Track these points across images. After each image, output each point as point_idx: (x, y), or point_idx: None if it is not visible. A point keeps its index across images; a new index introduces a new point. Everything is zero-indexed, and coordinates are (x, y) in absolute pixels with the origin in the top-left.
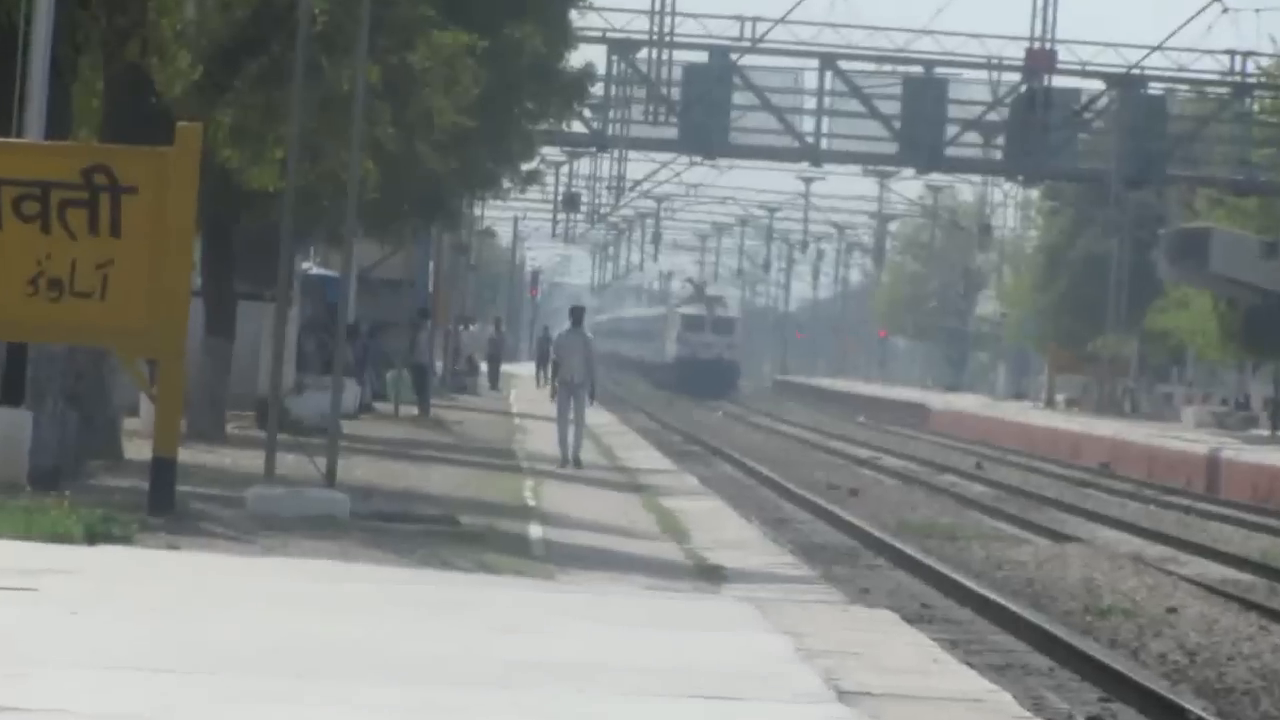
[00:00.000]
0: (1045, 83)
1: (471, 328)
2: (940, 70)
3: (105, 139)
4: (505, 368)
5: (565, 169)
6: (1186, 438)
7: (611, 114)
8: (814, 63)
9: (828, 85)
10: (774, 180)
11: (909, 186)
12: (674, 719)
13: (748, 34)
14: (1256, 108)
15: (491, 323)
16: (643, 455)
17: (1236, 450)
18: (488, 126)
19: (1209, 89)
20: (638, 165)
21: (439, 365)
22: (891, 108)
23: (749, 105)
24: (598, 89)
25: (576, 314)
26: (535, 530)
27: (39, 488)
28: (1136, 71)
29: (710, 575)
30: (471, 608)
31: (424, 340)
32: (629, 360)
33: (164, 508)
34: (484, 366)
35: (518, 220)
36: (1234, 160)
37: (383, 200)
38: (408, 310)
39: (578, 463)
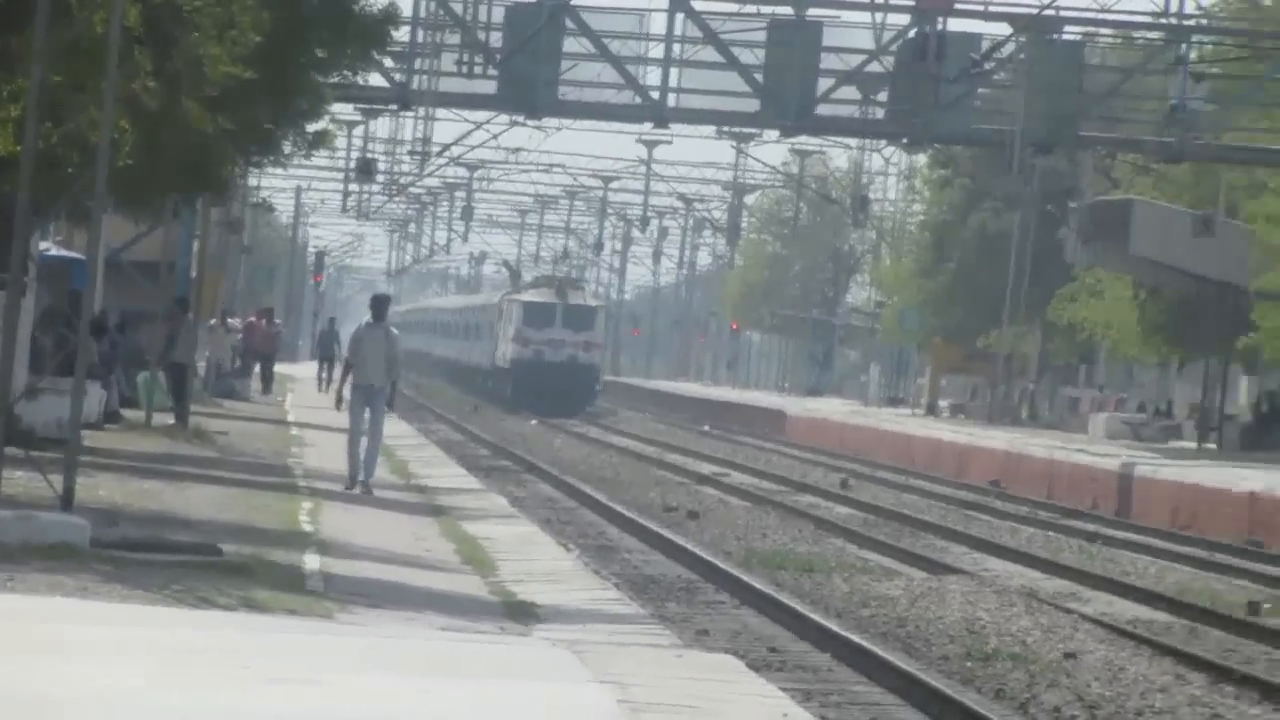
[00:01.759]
0: (939, 27)
1: (231, 320)
2: (813, 12)
3: None
4: (282, 368)
5: (359, 130)
6: (1095, 451)
7: (418, 64)
8: (662, 2)
9: (677, 30)
10: (610, 144)
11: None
12: None
13: None
14: (1194, 56)
15: (264, 314)
16: (444, 472)
17: (1154, 466)
18: (268, 78)
19: (1136, 34)
20: (447, 126)
21: (201, 365)
22: (754, 57)
23: (583, 54)
24: (402, 34)
25: (379, 305)
26: (312, 561)
27: None
28: (1049, 13)
29: (520, 614)
30: (233, 653)
31: (184, 336)
32: (442, 363)
33: None
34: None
35: (301, 191)
36: (1163, 120)
37: (138, 168)
38: (166, 299)
39: (367, 487)
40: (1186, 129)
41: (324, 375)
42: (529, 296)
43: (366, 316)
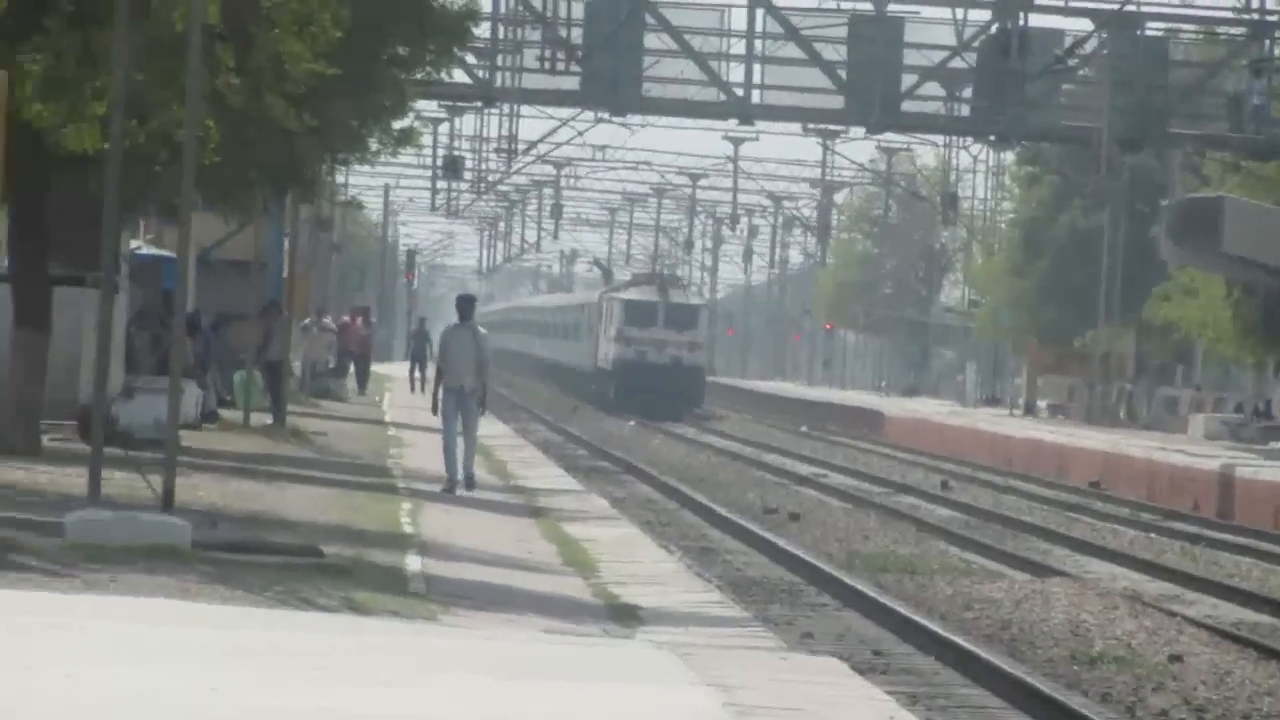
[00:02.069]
0: (1021, 22)
1: (326, 320)
2: (894, 8)
3: None
4: (377, 368)
5: (445, 128)
6: (1194, 451)
7: (500, 61)
8: None
9: (759, 26)
10: (697, 141)
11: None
12: None
13: None
14: (1278, 52)
15: (359, 314)
16: (543, 473)
17: (1254, 467)
18: (351, 75)
19: (1220, 30)
20: (533, 123)
21: (297, 365)
22: (837, 53)
23: (665, 50)
24: (483, 30)
25: (465, 305)
26: (414, 563)
27: None
28: (1132, 8)
29: (623, 616)
30: (336, 656)
31: (279, 335)
32: (540, 364)
33: None
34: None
35: (389, 190)
36: (1233, 115)
37: (225, 165)
38: (259, 298)
39: (470, 483)
40: (1275, 125)
41: (416, 375)
42: (630, 295)
43: (454, 317)
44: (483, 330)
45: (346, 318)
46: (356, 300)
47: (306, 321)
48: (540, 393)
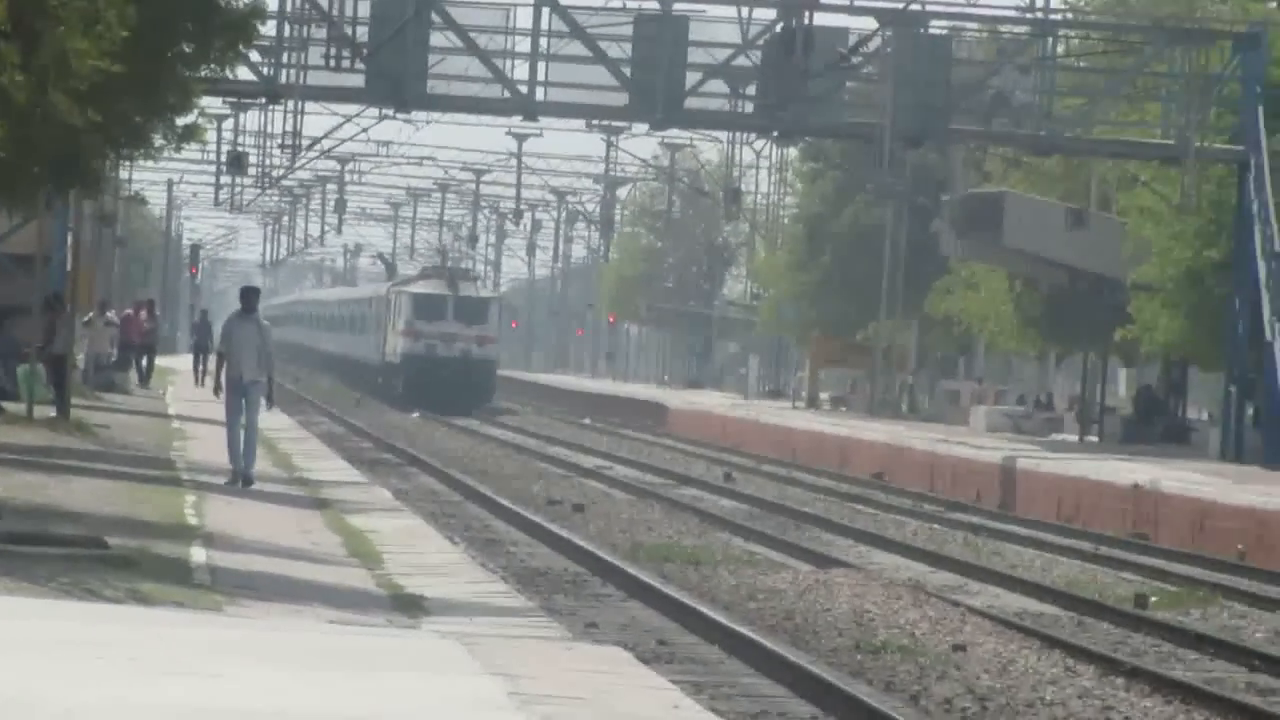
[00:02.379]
0: (806, 20)
1: (109, 313)
2: (679, 6)
3: None
4: (161, 361)
5: (230, 124)
6: (976, 443)
7: (286, 58)
8: None
9: (544, 24)
10: (481, 138)
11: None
12: None
13: None
14: (1061, 50)
15: (144, 306)
16: (327, 465)
17: (1036, 458)
18: (136, 72)
19: (1003, 28)
20: (317, 120)
21: (80, 359)
22: (621, 51)
23: (451, 48)
24: (269, 28)
25: (248, 296)
26: (199, 554)
27: None
28: (916, 7)
29: (408, 607)
30: (121, 646)
31: (62, 328)
32: (326, 358)
33: None
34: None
35: (173, 185)
36: (1032, 113)
37: (9, 160)
38: (42, 292)
39: (248, 480)
40: (1056, 122)
41: (200, 368)
42: (419, 288)
43: (237, 308)
44: (266, 322)
45: (129, 311)
46: (140, 294)
47: (89, 315)
48: (323, 385)
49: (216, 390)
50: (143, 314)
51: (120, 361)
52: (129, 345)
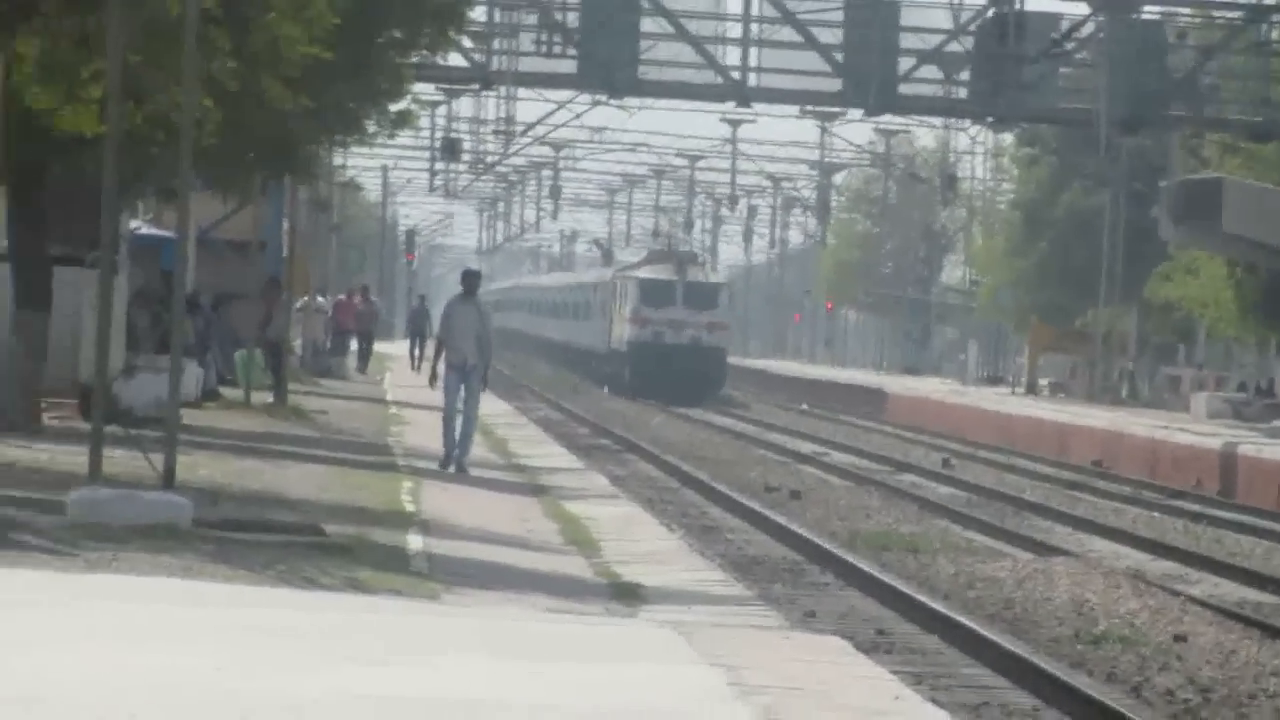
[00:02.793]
0: (1018, 5)
1: (320, 299)
2: None
3: None
4: (379, 347)
5: (443, 110)
6: (1196, 430)
7: (497, 44)
8: None
9: (755, 9)
10: (695, 123)
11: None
12: None
13: None
14: (1276, 35)
15: (359, 292)
16: (544, 451)
17: (1257, 445)
18: (347, 58)
19: (1217, 13)
20: (530, 106)
21: (297, 344)
22: (833, 36)
23: (662, 34)
24: (479, 13)
25: (469, 280)
26: (416, 541)
27: None
28: None
29: (625, 595)
30: (339, 635)
31: (279, 314)
32: (548, 345)
33: None
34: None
35: (387, 171)
36: (1249, 98)
37: (224, 146)
38: (258, 278)
39: (460, 467)
40: (1273, 107)
41: (416, 354)
42: (646, 273)
43: (458, 291)
44: (485, 307)
45: (342, 296)
46: (356, 280)
47: (304, 301)
48: (541, 371)
49: (433, 381)
50: (356, 299)
51: (336, 347)
52: (342, 331)
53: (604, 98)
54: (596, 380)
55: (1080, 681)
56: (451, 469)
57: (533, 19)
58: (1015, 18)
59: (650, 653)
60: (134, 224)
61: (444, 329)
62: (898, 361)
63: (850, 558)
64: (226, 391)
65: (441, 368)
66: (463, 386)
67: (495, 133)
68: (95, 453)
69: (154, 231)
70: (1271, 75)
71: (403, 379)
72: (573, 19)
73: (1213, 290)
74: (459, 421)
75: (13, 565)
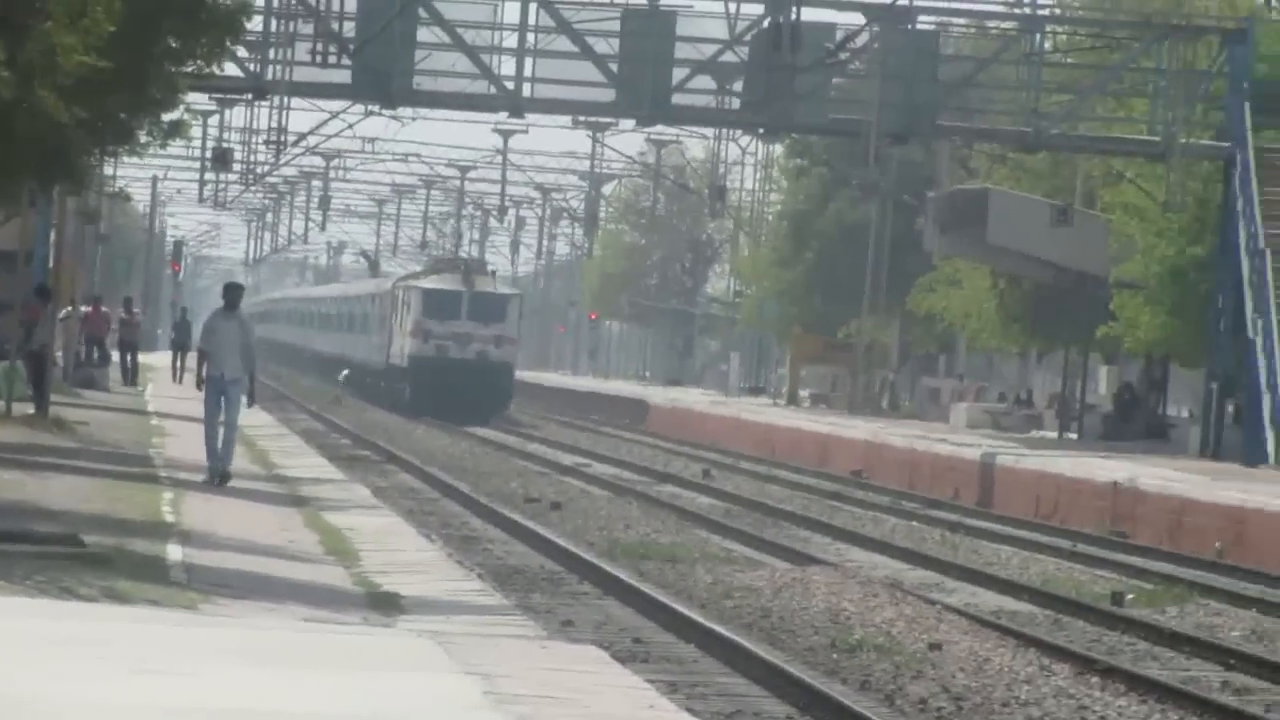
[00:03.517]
0: (793, 16)
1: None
2: (666, 2)
3: None
4: (143, 358)
5: (215, 120)
6: (956, 441)
7: (272, 54)
8: None
9: (531, 19)
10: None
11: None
12: None
13: None
14: (1048, 46)
15: (121, 304)
16: (305, 462)
17: (1016, 455)
18: (122, 69)
19: (990, 24)
20: (303, 116)
21: (59, 355)
22: (608, 46)
23: (437, 44)
24: (255, 24)
25: (231, 294)
26: (175, 552)
27: None
28: (903, 2)
29: (384, 605)
30: (96, 644)
31: (43, 325)
32: (320, 359)
33: None
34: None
35: (157, 181)
36: (1020, 110)
37: None
38: (23, 289)
39: (225, 476)
40: (1042, 119)
41: (179, 365)
42: (430, 283)
43: (219, 305)
44: (249, 319)
45: (88, 307)
46: (123, 290)
47: (66, 311)
48: (303, 383)
49: (199, 386)
50: (117, 310)
51: (91, 358)
52: (94, 340)
53: (377, 108)
54: (375, 398)
55: (835, 690)
56: (217, 481)
57: (308, 29)
58: (790, 27)
59: (408, 662)
60: None
61: (205, 341)
62: (661, 373)
63: (608, 567)
64: None
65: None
66: (223, 398)
67: (267, 143)
68: None
69: None
70: (1042, 86)
71: (165, 390)
72: (349, 29)
73: (975, 301)
74: (221, 434)
75: None
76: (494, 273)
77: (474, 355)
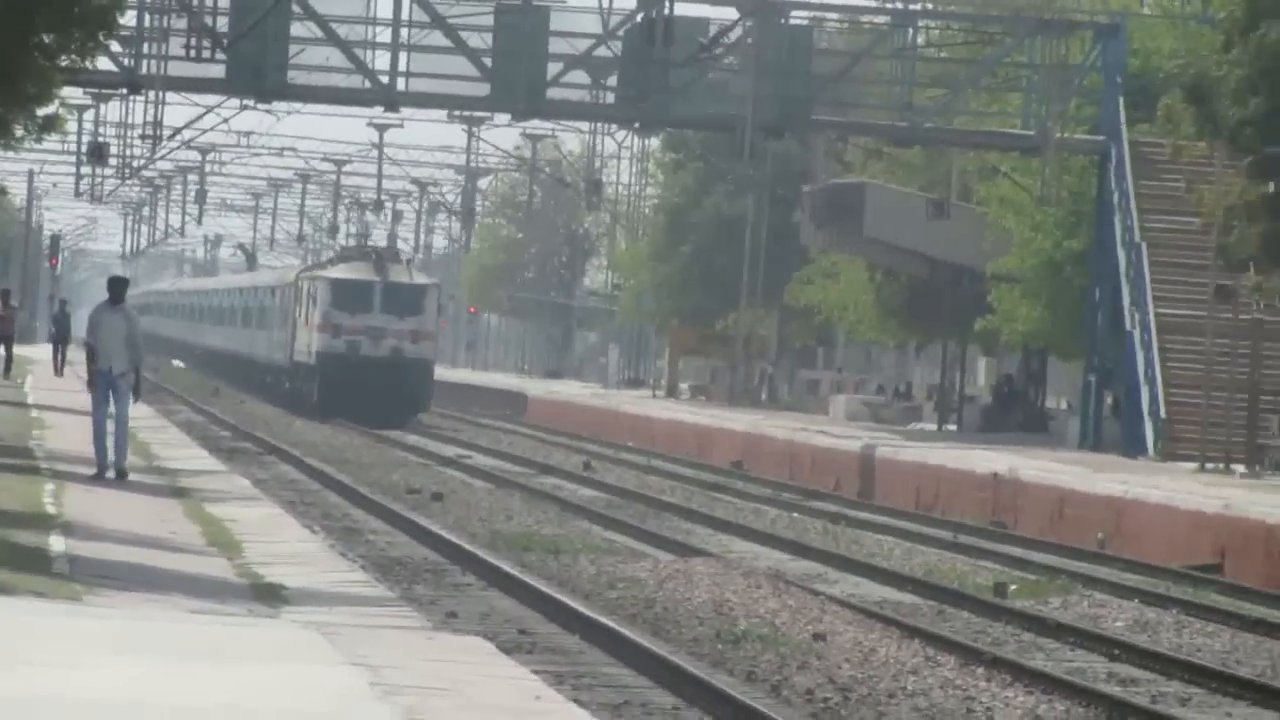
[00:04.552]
0: (666, 10)
1: None
2: None
3: None
4: (20, 351)
5: (91, 114)
6: (835, 432)
7: (146, 48)
8: None
9: (405, 14)
10: (342, 128)
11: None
12: None
13: None
14: (921, 40)
15: None
16: (186, 454)
17: (895, 447)
18: None
19: (863, 18)
20: (178, 110)
21: None
22: (483, 41)
23: (311, 38)
24: (129, 18)
25: (116, 286)
26: (57, 543)
27: None
28: None
29: (268, 596)
30: None
31: None
32: (216, 357)
33: None
34: None
35: (33, 175)
36: (893, 104)
37: None
38: None
39: (121, 473)
40: (917, 113)
41: (60, 358)
42: (339, 272)
43: (104, 298)
44: (135, 313)
45: None
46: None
47: None
48: (183, 376)
49: (91, 384)
50: None
51: None
52: None
53: (252, 102)
54: (276, 398)
55: (720, 681)
56: (111, 475)
57: (182, 23)
58: (664, 22)
59: (292, 653)
60: None
61: (91, 335)
62: (540, 365)
63: (492, 558)
64: None
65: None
66: (111, 393)
67: (143, 137)
68: None
69: None
70: (915, 81)
71: (45, 383)
72: (223, 24)
73: (853, 294)
74: (111, 428)
75: None
76: (409, 261)
77: (388, 351)
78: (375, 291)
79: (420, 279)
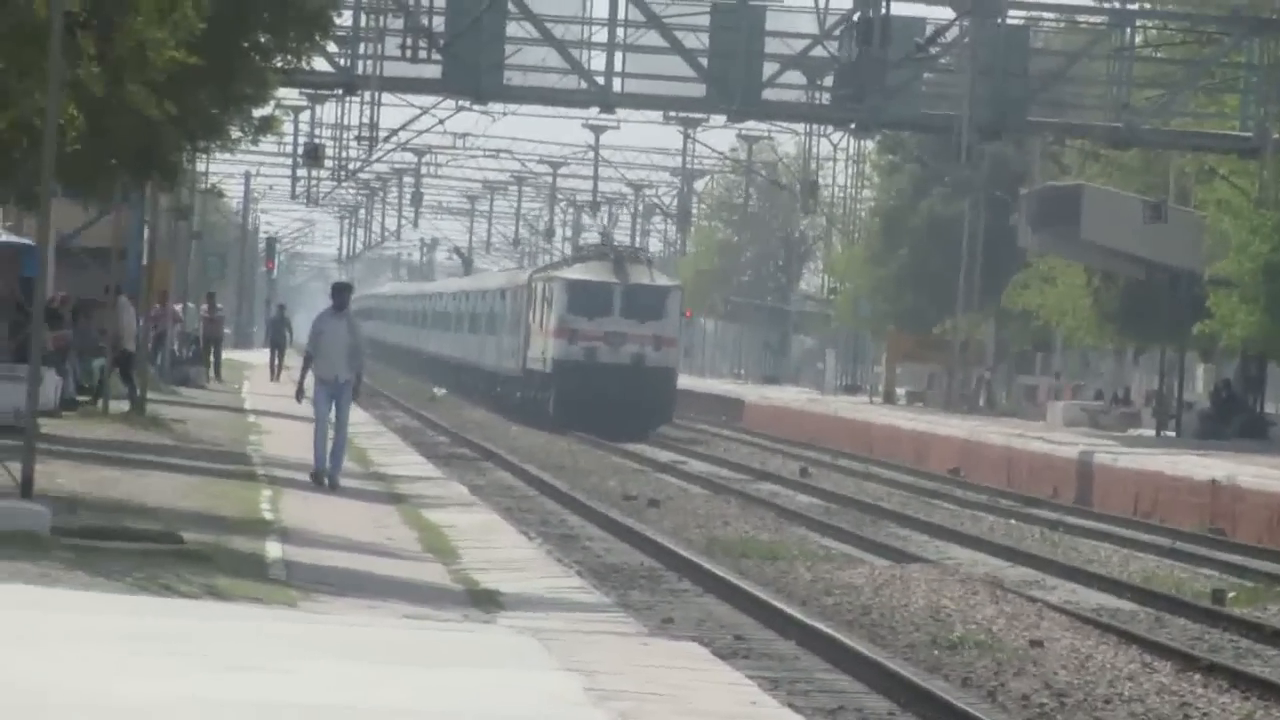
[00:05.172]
0: (883, 10)
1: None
2: None
3: None
4: (237, 355)
5: (306, 116)
6: (1053, 439)
7: (362, 49)
8: None
9: (621, 14)
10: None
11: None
12: None
13: None
14: (1139, 40)
15: (204, 299)
16: (402, 460)
17: (1113, 454)
18: (213, 63)
19: (1081, 18)
20: (394, 111)
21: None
22: (698, 41)
23: (527, 39)
24: (345, 18)
25: (340, 293)
26: (274, 549)
27: None
28: None
29: (483, 602)
30: (196, 641)
31: (128, 322)
32: (440, 363)
33: None
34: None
35: (250, 178)
36: (1111, 105)
37: (86, 153)
38: (121, 285)
39: (334, 484)
40: (1134, 114)
41: (275, 363)
42: (575, 274)
43: (327, 305)
44: (357, 319)
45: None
46: (216, 287)
47: (154, 310)
48: (400, 380)
49: (299, 396)
50: (178, 307)
51: (195, 356)
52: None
53: (467, 103)
54: (506, 409)
55: (936, 686)
56: (326, 483)
57: (398, 24)
58: (880, 22)
59: (508, 659)
60: None
61: (313, 343)
62: (756, 370)
63: (708, 564)
64: (85, 400)
65: (310, 381)
66: (333, 402)
67: (358, 138)
68: None
69: (13, 239)
70: (1133, 81)
71: (262, 388)
72: (439, 24)
73: (1070, 298)
74: (330, 436)
75: None
76: (650, 261)
77: (629, 359)
78: (615, 294)
79: (662, 280)
